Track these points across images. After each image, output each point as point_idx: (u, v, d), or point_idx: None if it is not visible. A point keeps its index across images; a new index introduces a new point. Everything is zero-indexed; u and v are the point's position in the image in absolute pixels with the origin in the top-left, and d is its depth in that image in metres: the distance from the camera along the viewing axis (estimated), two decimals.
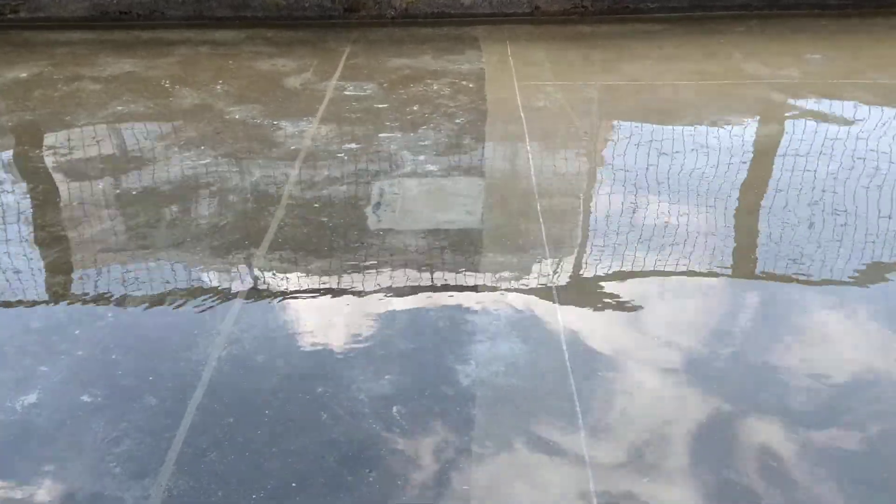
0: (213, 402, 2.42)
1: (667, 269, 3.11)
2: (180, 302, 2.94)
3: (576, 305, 2.88)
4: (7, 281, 3.10)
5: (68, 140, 4.42)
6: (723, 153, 4.11)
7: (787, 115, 4.65)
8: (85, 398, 2.45)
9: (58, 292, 3.04)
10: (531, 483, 2.12)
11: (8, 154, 4.29)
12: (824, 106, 4.74)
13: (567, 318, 2.80)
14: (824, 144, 4.17)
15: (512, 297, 2.93)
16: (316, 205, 3.63)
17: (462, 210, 3.57)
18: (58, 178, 3.98)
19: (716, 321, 2.80)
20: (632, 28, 6.42)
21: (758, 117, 4.63)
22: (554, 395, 2.43)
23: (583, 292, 2.97)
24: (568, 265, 3.14)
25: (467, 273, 3.09)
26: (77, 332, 2.78)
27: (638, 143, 4.23)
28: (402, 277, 3.06)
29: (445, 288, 3.00)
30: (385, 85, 5.20)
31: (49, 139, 4.46)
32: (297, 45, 6.12)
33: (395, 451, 2.23)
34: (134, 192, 3.79)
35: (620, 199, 3.65)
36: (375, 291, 2.98)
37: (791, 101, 4.84)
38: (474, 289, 2.99)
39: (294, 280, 3.06)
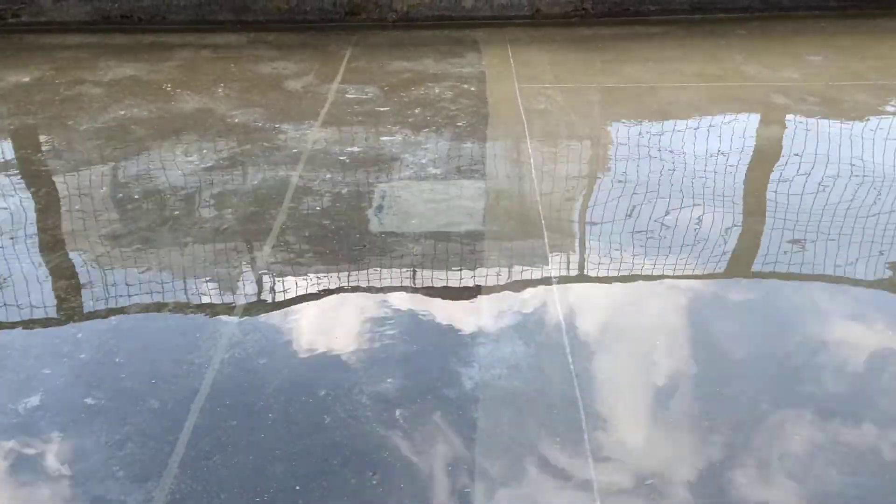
0: (215, 405, 2.42)
1: (669, 270, 3.11)
2: (183, 305, 2.94)
3: (578, 307, 2.88)
4: (10, 284, 3.10)
5: (70, 144, 4.43)
6: (724, 155, 4.11)
7: (788, 116, 4.65)
8: (88, 401, 2.45)
9: (60, 295, 3.04)
10: (534, 484, 2.12)
11: (10, 158, 4.29)
12: (826, 107, 4.74)
13: (570, 319, 2.79)
14: (828, 146, 4.17)
15: (514, 298, 2.93)
16: (318, 208, 3.64)
17: (464, 212, 3.57)
18: (59, 181, 3.98)
19: (719, 321, 2.79)
20: (632, 31, 6.42)
21: (759, 119, 4.63)
22: (556, 398, 2.42)
23: (585, 294, 2.97)
24: (570, 267, 3.14)
25: (469, 275, 3.09)
26: (80, 335, 2.78)
27: (639, 145, 4.24)
28: (403, 280, 3.07)
29: (447, 290, 3.00)
30: (386, 88, 5.20)
31: (51, 143, 4.47)
32: (298, 49, 6.12)
33: (397, 453, 2.23)
34: (136, 196, 3.80)
35: (622, 200, 3.65)
36: (377, 294, 2.98)
37: (792, 102, 4.84)
38: (476, 291, 2.99)
39: (296, 283, 3.07)
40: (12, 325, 2.86)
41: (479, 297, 2.95)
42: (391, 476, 2.16)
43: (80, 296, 3.03)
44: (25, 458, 2.25)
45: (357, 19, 6.72)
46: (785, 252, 3.22)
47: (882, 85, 5.10)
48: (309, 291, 3.01)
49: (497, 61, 5.74)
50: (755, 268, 3.14)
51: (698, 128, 4.48)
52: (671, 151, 4.15)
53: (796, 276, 3.08)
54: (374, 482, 2.14)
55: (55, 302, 3.00)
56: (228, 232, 3.45)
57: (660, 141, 4.29)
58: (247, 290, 3.03)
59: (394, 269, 3.14)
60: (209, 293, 3.01)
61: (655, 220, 3.46)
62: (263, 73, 5.57)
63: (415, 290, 3.01)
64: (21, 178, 4.05)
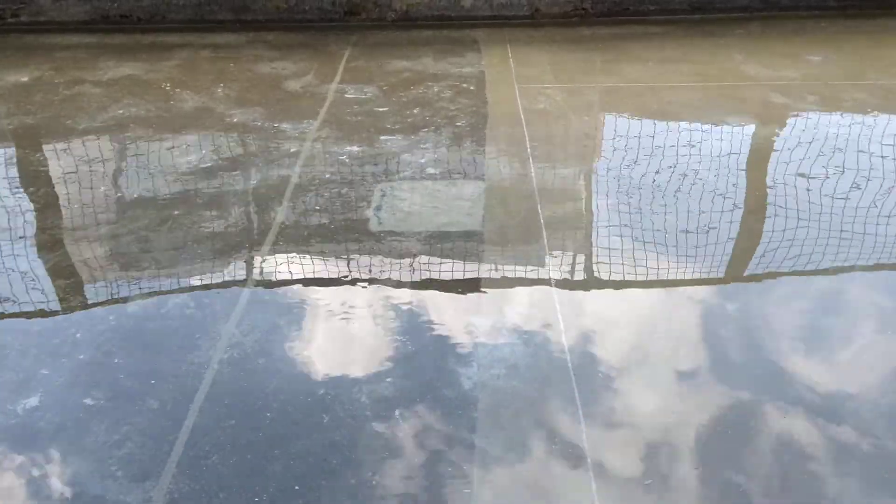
0: (214, 404, 2.42)
1: (667, 271, 3.11)
2: (182, 305, 2.94)
3: (578, 308, 2.88)
4: (9, 284, 3.10)
5: (69, 143, 4.42)
6: (723, 155, 4.11)
7: (786, 116, 4.65)
8: (86, 401, 2.45)
9: (59, 295, 3.03)
10: (533, 487, 2.12)
11: (9, 157, 4.29)
12: (824, 108, 4.74)
13: (569, 320, 2.79)
14: (824, 146, 4.17)
15: (513, 298, 2.93)
16: (317, 207, 3.64)
17: (463, 212, 3.57)
18: (58, 181, 3.98)
19: (720, 321, 2.79)
20: (632, 30, 6.42)
21: (758, 119, 4.63)
22: (556, 398, 2.42)
23: (584, 295, 2.97)
24: (569, 267, 3.14)
25: (468, 275, 3.09)
26: (78, 334, 2.78)
27: (638, 146, 4.23)
28: (402, 280, 3.06)
29: (446, 290, 2.99)
30: (385, 88, 5.20)
31: (50, 143, 4.46)
32: (297, 49, 6.12)
33: (397, 453, 2.23)
34: (135, 196, 3.79)
35: (621, 201, 3.65)
36: (376, 294, 2.98)
37: (791, 102, 4.84)
38: (476, 291, 2.99)
39: (295, 283, 3.06)
40: (11, 326, 2.86)
41: (478, 296, 2.95)
42: (390, 476, 2.15)
43: (79, 295, 3.03)
44: (24, 459, 2.25)
45: (356, 19, 6.72)
46: (786, 251, 3.22)
47: (882, 85, 5.10)
48: (308, 291, 3.01)
49: (496, 61, 5.74)
50: (756, 267, 3.14)
51: (698, 127, 4.48)
52: (670, 151, 4.15)
53: (798, 274, 3.08)
54: (374, 482, 2.14)
55: (54, 302, 3.00)
56: (227, 231, 3.45)
57: (660, 141, 4.29)
58: (245, 289, 3.02)
59: (393, 269, 3.13)
60: (208, 293, 3.01)
61: (655, 220, 3.46)
62: (263, 72, 5.57)
63: (414, 289, 3.00)
64: (20, 178, 4.05)
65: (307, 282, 3.07)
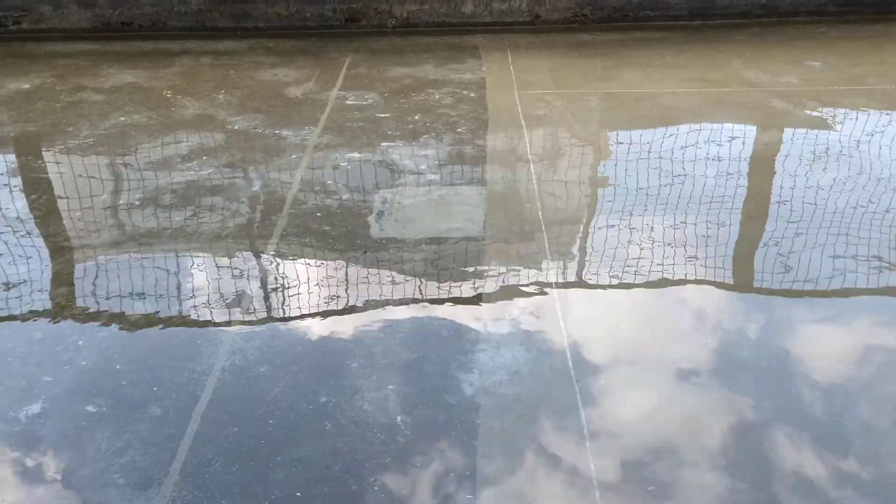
0: (216, 411, 2.42)
1: (668, 276, 3.11)
2: (183, 312, 2.94)
3: (579, 313, 2.88)
4: (11, 291, 3.10)
5: (70, 151, 4.43)
6: (723, 161, 4.11)
7: (787, 121, 4.66)
8: (89, 408, 2.45)
9: (61, 302, 3.04)
10: (534, 491, 2.12)
11: (11, 164, 4.30)
12: (825, 112, 4.75)
13: (570, 325, 2.80)
14: (827, 151, 4.18)
15: (515, 304, 2.93)
16: (318, 214, 3.64)
17: (464, 218, 3.57)
18: (60, 188, 3.99)
19: (721, 326, 2.79)
20: (632, 36, 6.44)
21: (758, 124, 4.64)
22: (558, 404, 2.42)
23: (586, 300, 2.97)
24: (570, 273, 3.15)
25: (469, 281, 3.09)
26: (80, 341, 2.78)
27: (638, 151, 4.24)
28: (404, 286, 3.07)
29: (448, 296, 3.00)
30: (386, 94, 5.21)
31: (51, 150, 4.47)
32: (298, 55, 6.14)
33: (399, 459, 2.23)
34: (136, 203, 3.80)
35: (622, 206, 3.65)
36: (378, 300, 2.98)
37: (791, 107, 4.85)
38: (477, 297, 2.99)
39: (296, 289, 3.07)
40: (13, 332, 2.86)
41: (479, 303, 2.96)
42: (393, 482, 2.15)
43: (81, 303, 3.03)
44: (26, 466, 2.25)
45: (357, 26, 6.74)
46: (787, 257, 3.22)
47: (882, 90, 5.11)
48: (309, 298, 3.01)
49: (497, 67, 5.75)
50: (757, 272, 3.14)
51: (698, 133, 4.48)
52: (671, 157, 4.15)
53: (797, 282, 3.08)
54: (376, 488, 2.14)
55: (56, 309, 3.00)
56: (229, 238, 3.45)
57: (660, 146, 4.30)
58: (247, 296, 3.03)
59: (394, 275, 3.14)
60: (210, 300, 3.01)
61: (655, 226, 3.47)
62: (264, 79, 5.58)
63: (415, 296, 3.01)
64: (22, 185, 4.05)
65: (308, 289, 3.07)
